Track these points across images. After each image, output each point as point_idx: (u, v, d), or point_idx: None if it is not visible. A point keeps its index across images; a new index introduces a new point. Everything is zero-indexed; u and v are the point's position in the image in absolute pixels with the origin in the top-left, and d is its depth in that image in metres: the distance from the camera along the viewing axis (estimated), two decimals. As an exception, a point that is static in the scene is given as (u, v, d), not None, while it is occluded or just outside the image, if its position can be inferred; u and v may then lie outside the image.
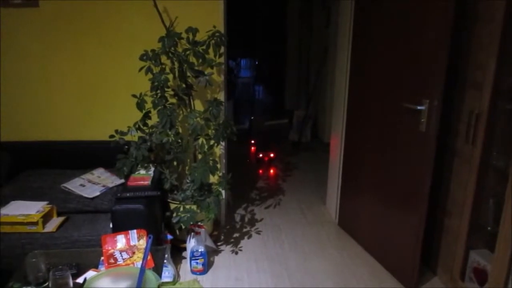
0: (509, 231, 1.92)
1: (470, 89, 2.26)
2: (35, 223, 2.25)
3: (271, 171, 4.70)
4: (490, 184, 2.22)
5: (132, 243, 1.93)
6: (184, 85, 2.78)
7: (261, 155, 5.13)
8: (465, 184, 2.29)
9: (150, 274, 1.58)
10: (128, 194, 2.37)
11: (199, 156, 2.82)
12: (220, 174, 3.06)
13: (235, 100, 7.35)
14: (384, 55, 2.59)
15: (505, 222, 1.94)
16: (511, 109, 2.10)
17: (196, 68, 2.69)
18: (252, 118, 6.50)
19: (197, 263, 2.63)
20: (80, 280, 1.68)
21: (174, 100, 2.81)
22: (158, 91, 2.67)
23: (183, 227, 2.64)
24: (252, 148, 5.57)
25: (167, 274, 2.49)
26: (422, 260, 2.49)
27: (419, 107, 2.27)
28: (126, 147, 2.69)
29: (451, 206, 2.47)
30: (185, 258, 2.81)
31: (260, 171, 4.69)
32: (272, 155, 5.13)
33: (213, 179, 3.03)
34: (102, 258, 1.85)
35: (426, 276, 2.65)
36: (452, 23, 2.08)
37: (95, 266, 1.82)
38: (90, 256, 1.91)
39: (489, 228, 2.28)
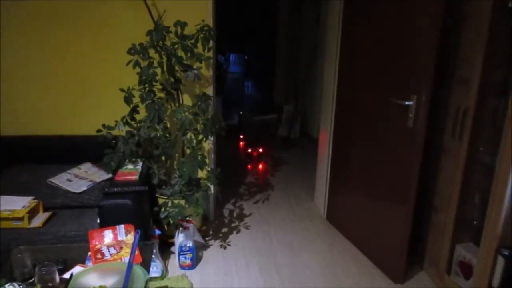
0: (494, 225, 1.95)
1: (457, 85, 2.28)
2: (20, 219, 2.22)
3: (260, 166, 4.70)
4: (476, 179, 2.25)
5: (119, 238, 1.92)
6: (172, 79, 2.77)
7: (250, 150, 5.13)
8: (452, 180, 2.32)
9: (138, 269, 1.58)
10: (115, 189, 2.35)
11: (188, 151, 2.81)
12: (209, 169, 3.05)
13: (224, 95, 7.33)
14: (372, 51, 2.60)
15: (491, 216, 1.97)
16: (498, 105, 2.13)
17: (185, 62, 2.67)
18: (241, 113, 6.48)
19: (185, 258, 2.63)
20: (66, 275, 1.66)
21: (162, 95, 2.79)
22: (146, 85, 2.65)
23: (171, 222, 2.63)
24: (241, 143, 5.56)
25: (155, 269, 2.48)
26: (409, 255, 2.52)
27: (407, 103, 2.28)
28: (114, 141, 2.66)
29: (438, 201, 2.49)
30: (173, 253, 2.80)
31: (249, 166, 4.69)
32: (261, 150, 5.13)
33: (201, 174, 3.02)
34: (89, 253, 1.83)
35: (413, 270, 2.68)
36: (442, 19, 2.09)
37: (82, 262, 1.81)
38: (77, 251, 1.90)
39: (475, 222, 2.31)
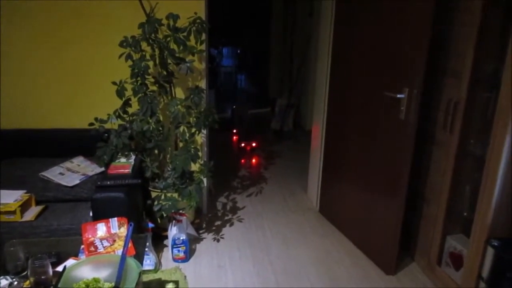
0: (484, 216, 1.97)
1: (449, 78, 2.30)
2: (13, 212, 2.21)
3: (253, 159, 4.71)
4: (467, 171, 2.27)
5: (112, 231, 1.92)
6: (165, 72, 2.75)
7: (243, 144, 5.13)
8: (443, 172, 2.34)
9: (132, 262, 1.58)
10: (108, 182, 2.35)
11: (181, 144, 2.81)
12: (202, 162, 3.05)
13: (218, 89, 7.31)
14: (365, 44, 2.60)
15: (481, 207, 1.99)
16: (488, 98, 2.14)
17: (177, 55, 2.66)
18: (234, 106, 6.47)
19: (179, 251, 2.63)
20: (59, 268, 1.66)
21: (154, 88, 2.78)
22: (139, 78, 2.63)
23: (164, 215, 2.63)
24: (235, 136, 5.56)
25: (149, 262, 2.49)
26: (401, 246, 2.54)
27: (399, 96, 2.29)
28: (106, 135, 2.66)
29: (429, 193, 2.52)
30: (166, 246, 2.80)
31: (242, 160, 4.69)
32: (254, 143, 5.13)
33: (194, 167, 3.02)
34: (83, 246, 1.83)
35: (405, 262, 2.70)
36: (433, 12, 2.10)
37: (75, 255, 1.81)
38: (70, 244, 1.90)
39: (465, 214, 2.33)
